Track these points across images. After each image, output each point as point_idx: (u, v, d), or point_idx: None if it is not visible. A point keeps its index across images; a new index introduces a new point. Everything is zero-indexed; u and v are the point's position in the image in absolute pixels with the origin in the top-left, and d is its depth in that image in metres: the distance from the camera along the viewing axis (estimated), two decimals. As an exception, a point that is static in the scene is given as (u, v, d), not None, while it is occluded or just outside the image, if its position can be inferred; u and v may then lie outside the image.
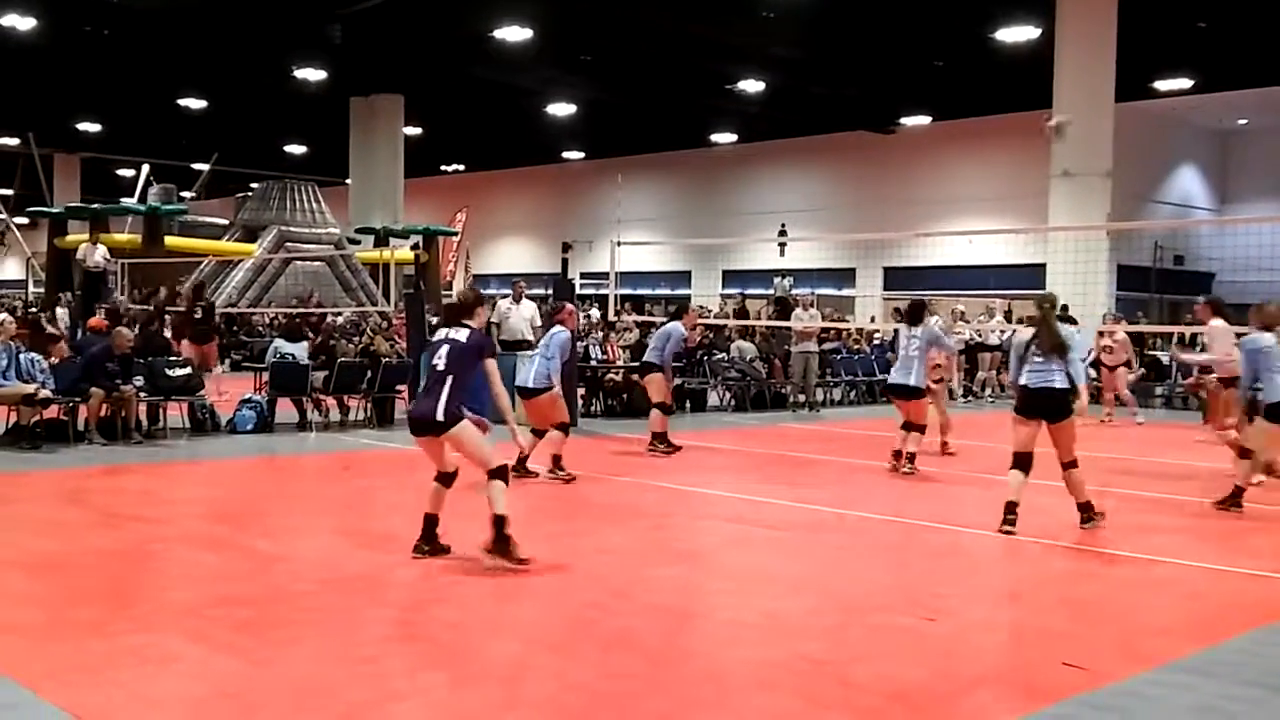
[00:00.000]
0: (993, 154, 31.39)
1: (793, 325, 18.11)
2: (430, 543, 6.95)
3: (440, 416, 6.63)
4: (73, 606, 5.82)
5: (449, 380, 6.70)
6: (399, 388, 15.08)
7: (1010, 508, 8.14)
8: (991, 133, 30.66)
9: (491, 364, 6.89)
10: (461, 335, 6.88)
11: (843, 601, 6.30)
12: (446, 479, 6.98)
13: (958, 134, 31.41)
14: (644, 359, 13.05)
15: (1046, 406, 8.15)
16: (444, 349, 6.85)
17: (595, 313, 22.10)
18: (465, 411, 6.71)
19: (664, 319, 15.25)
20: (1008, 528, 8.07)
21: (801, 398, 18.09)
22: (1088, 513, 8.30)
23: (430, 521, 6.96)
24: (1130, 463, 11.97)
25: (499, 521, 6.62)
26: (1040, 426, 8.22)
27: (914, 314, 11.53)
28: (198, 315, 17.03)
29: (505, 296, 16.64)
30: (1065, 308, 11.24)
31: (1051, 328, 8.30)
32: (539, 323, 14.81)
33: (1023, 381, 8.30)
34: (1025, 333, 8.86)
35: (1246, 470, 9.33)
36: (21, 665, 4.77)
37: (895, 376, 11.54)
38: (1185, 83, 25.99)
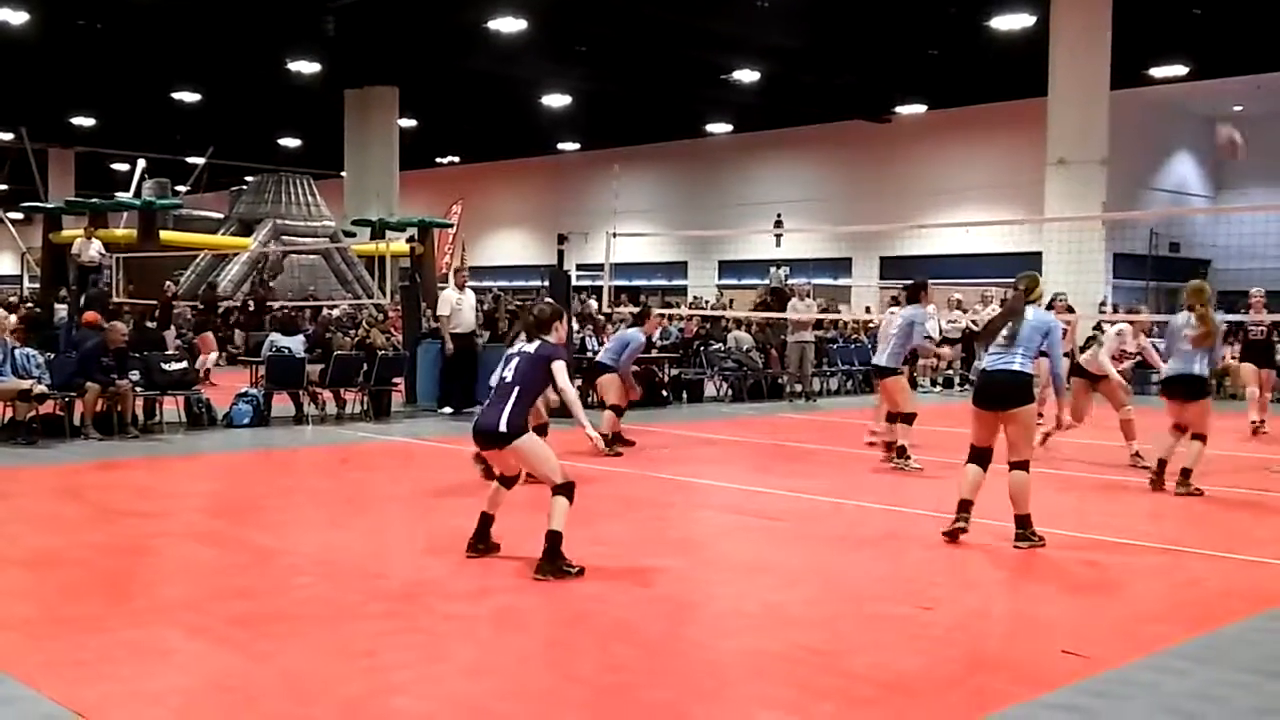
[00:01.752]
0: (988, 142, 31.39)
1: (788, 315, 18.12)
2: (484, 540, 6.86)
3: (504, 428, 6.46)
4: (69, 601, 5.81)
5: (515, 391, 6.54)
6: (395, 380, 15.07)
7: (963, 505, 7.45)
8: (987, 121, 30.66)
9: (559, 365, 6.66)
10: (531, 347, 6.74)
11: (840, 591, 6.31)
12: (508, 481, 6.90)
13: (953, 122, 31.40)
14: (597, 359, 12.93)
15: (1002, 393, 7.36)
16: (514, 361, 6.74)
17: (592, 304, 22.08)
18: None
19: (662, 310, 15.23)
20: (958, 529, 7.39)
21: (799, 388, 18.12)
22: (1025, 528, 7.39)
23: (485, 520, 6.86)
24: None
25: (554, 537, 6.38)
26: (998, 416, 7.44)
27: (910, 294, 11.40)
28: (200, 306, 17.06)
29: (443, 286, 16.37)
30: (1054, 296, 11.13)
31: (1020, 315, 7.49)
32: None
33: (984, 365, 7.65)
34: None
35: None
36: (18, 660, 4.76)
37: (875, 356, 11.53)
38: (1180, 70, 26.01)
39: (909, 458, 10.67)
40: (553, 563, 6.36)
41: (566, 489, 6.47)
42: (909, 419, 10.86)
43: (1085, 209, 20.35)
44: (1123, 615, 5.87)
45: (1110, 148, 21.28)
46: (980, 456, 7.49)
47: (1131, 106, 25.31)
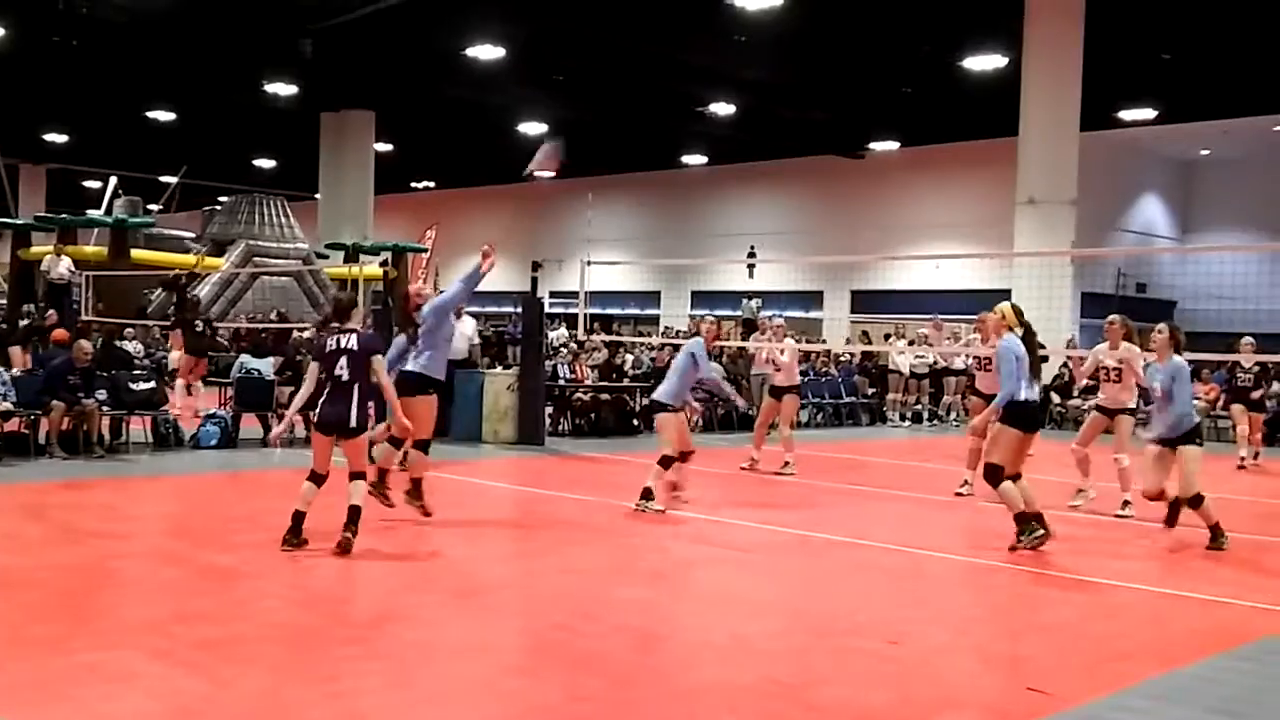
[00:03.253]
0: (960, 180, 31.71)
1: (750, 348, 18.17)
2: (298, 536, 7.55)
3: (354, 423, 7.56)
4: (31, 623, 5.74)
5: (356, 388, 7.51)
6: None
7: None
8: (959, 159, 30.99)
9: (377, 359, 7.66)
10: (355, 344, 7.57)
11: (808, 624, 6.32)
12: (320, 480, 7.69)
13: (926, 160, 31.72)
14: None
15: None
16: (343, 360, 7.55)
17: (564, 332, 22.09)
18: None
19: (633, 338, 15.02)
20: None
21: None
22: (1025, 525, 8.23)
23: (299, 517, 7.59)
24: (1100, 488, 12.05)
25: (356, 510, 7.51)
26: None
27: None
28: (198, 328, 16.85)
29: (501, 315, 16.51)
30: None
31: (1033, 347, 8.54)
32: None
33: (1024, 396, 8.30)
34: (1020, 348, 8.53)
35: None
36: (-23, 682, 4.70)
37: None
38: (1149, 113, 26.41)
39: (651, 499, 9.75)
40: (353, 529, 7.39)
41: (362, 474, 7.65)
42: (666, 462, 9.94)
43: (1053, 248, 20.56)
44: (1088, 653, 5.91)
45: (1079, 188, 21.54)
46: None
47: (1101, 148, 25.66)
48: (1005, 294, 21.78)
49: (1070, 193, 21.29)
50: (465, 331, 14.93)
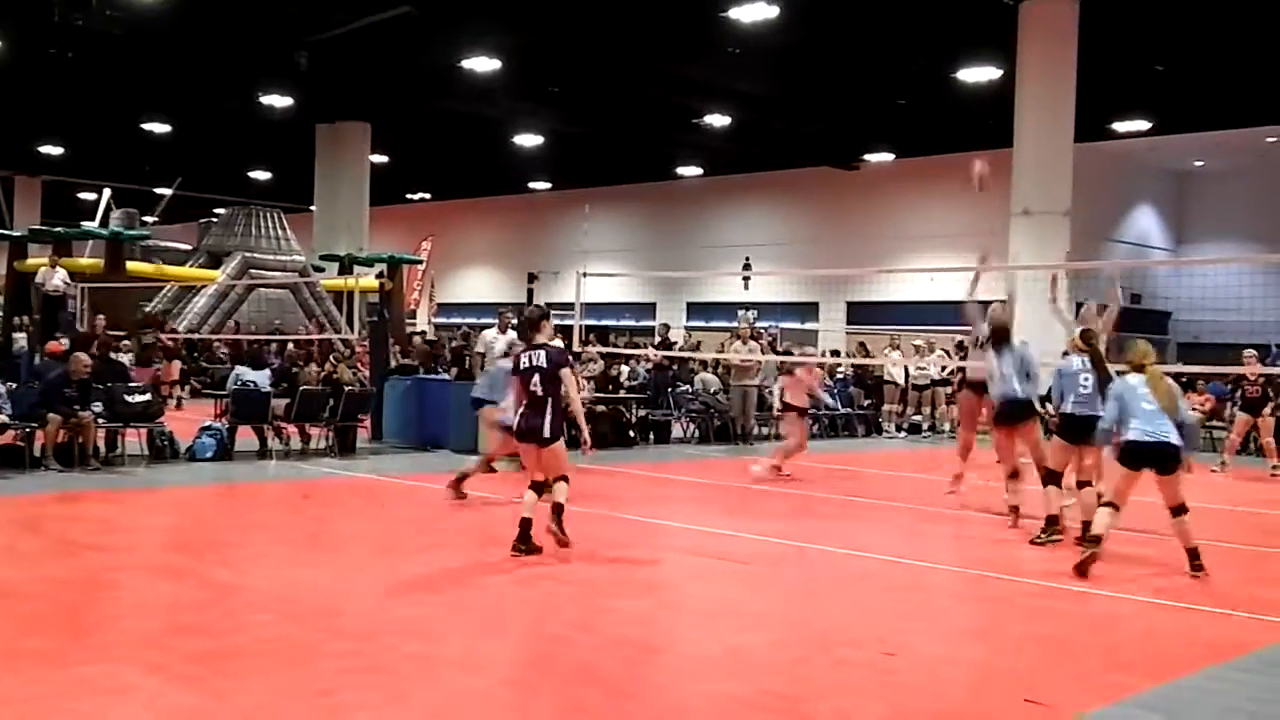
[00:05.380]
0: (954, 191, 31.60)
1: (729, 358, 18.15)
2: (526, 543, 7.94)
3: (547, 434, 8.02)
4: (26, 635, 5.72)
5: (549, 402, 8.00)
6: (361, 416, 14.99)
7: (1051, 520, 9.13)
8: (953, 170, 30.76)
9: (565, 373, 8.14)
10: (543, 359, 8.06)
11: (805, 636, 6.31)
12: (540, 488, 8.14)
13: (920, 171, 31.77)
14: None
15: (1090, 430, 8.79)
16: (535, 376, 8.03)
17: (559, 343, 22.04)
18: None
19: (630, 350, 15.06)
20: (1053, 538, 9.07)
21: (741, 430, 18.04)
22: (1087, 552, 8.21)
23: (526, 524, 7.98)
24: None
25: (560, 507, 8.03)
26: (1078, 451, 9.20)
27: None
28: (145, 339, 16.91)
29: (490, 326, 16.47)
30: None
31: (1104, 365, 9.11)
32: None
33: (1068, 410, 9.15)
34: (1075, 361, 9.35)
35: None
36: (-28, 696, 4.69)
37: None
38: (1143, 124, 26.48)
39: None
40: (560, 521, 7.95)
41: (565, 478, 8.15)
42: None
43: (1048, 260, 20.58)
44: (1085, 664, 5.91)
45: (1074, 200, 21.60)
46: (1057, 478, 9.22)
47: (1095, 159, 25.74)
48: (1001, 305, 21.95)
49: (1064, 204, 21.33)
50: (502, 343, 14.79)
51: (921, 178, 32.02)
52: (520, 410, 8.09)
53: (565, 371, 8.07)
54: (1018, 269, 20.73)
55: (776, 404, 14.35)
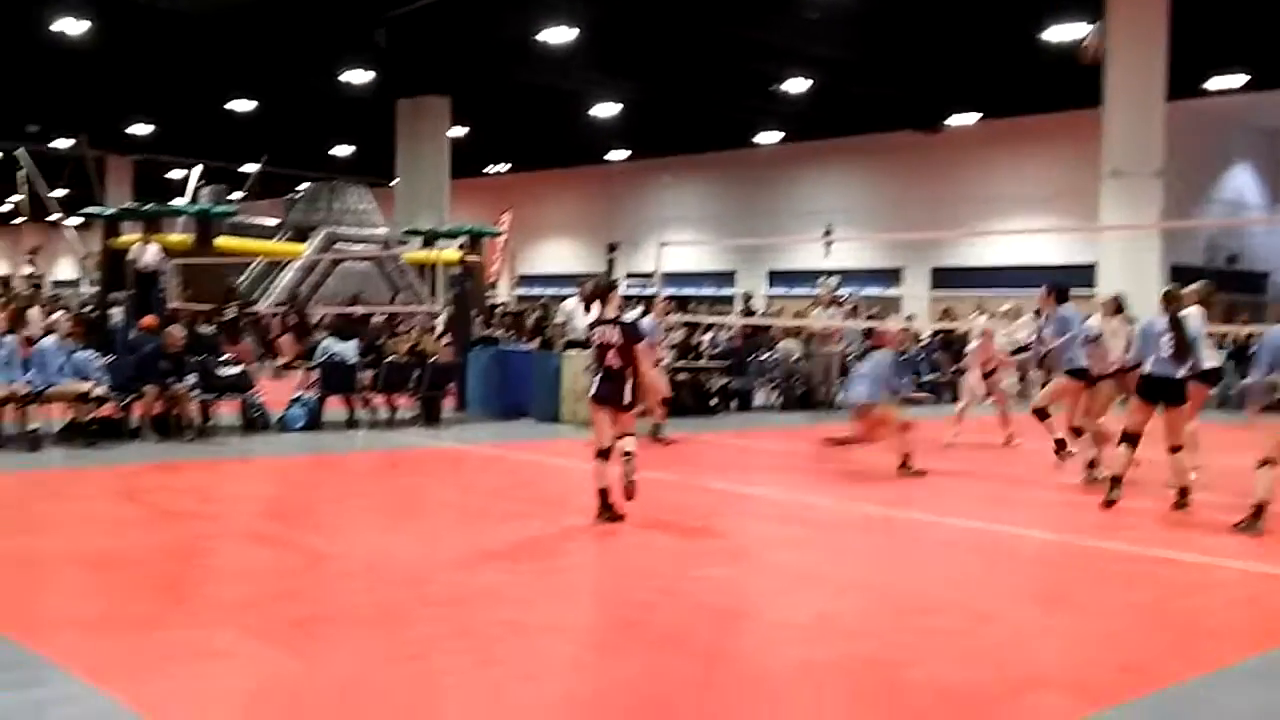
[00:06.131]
0: (1041, 153, 31.06)
1: (811, 324, 17.99)
2: (609, 510, 8.05)
3: (626, 401, 8.16)
4: (128, 601, 5.90)
5: (626, 371, 8.14)
6: (446, 386, 15.16)
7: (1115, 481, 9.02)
8: (1040, 132, 30.34)
9: (641, 347, 8.31)
10: (617, 335, 8.18)
11: (893, 602, 6.26)
12: (608, 454, 8.12)
13: (1006, 133, 31.11)
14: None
15: (1169, 393, 8.91)
16: (610, 350, 8.17)
17: (639, 312, 22.05)
18: None
19: (711, 318, 15.00)
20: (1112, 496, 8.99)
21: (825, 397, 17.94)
22: (1183, 498, 8.99)
23: (605, 494, 8.07)
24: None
25: (630, 457, 8.06)
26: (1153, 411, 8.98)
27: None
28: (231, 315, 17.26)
29: (570, 296, 16.60)
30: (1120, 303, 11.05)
31: (1182, 325, 8.94)
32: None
33: (1147, 370, 9.02)
34: (1159, 322, 9.12)
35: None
36: (80, 659, 4.84)
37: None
38: (1238, 80, 25.59)
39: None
40: (630, 478, 8.00)
41: (632, 434, 8.23)
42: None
43: (1140, 220, 20.09)
44: (1182, 631, 5.79)
45: (1166, 159, 21.00)
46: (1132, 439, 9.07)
47: (1188, 117, 24.94)
48: (1090, 269, 21.47)
49: (1156, 164, 20.75)
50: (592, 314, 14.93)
51: (1007, 139, 31.37)
52: (599, 379, 8.26)
53: (640, 347, 8.33)
54: (1108, 229, 20.30)
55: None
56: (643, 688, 4.74)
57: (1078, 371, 10.89)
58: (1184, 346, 8.86)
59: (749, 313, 22.73)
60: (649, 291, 17.30)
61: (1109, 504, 8.96)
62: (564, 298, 17.04)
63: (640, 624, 5.72)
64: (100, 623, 5.49)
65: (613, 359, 8.16)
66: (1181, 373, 8.91)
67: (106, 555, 6.94)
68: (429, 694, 4.56)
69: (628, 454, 8.09)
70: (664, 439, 12.65)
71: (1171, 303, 9.22)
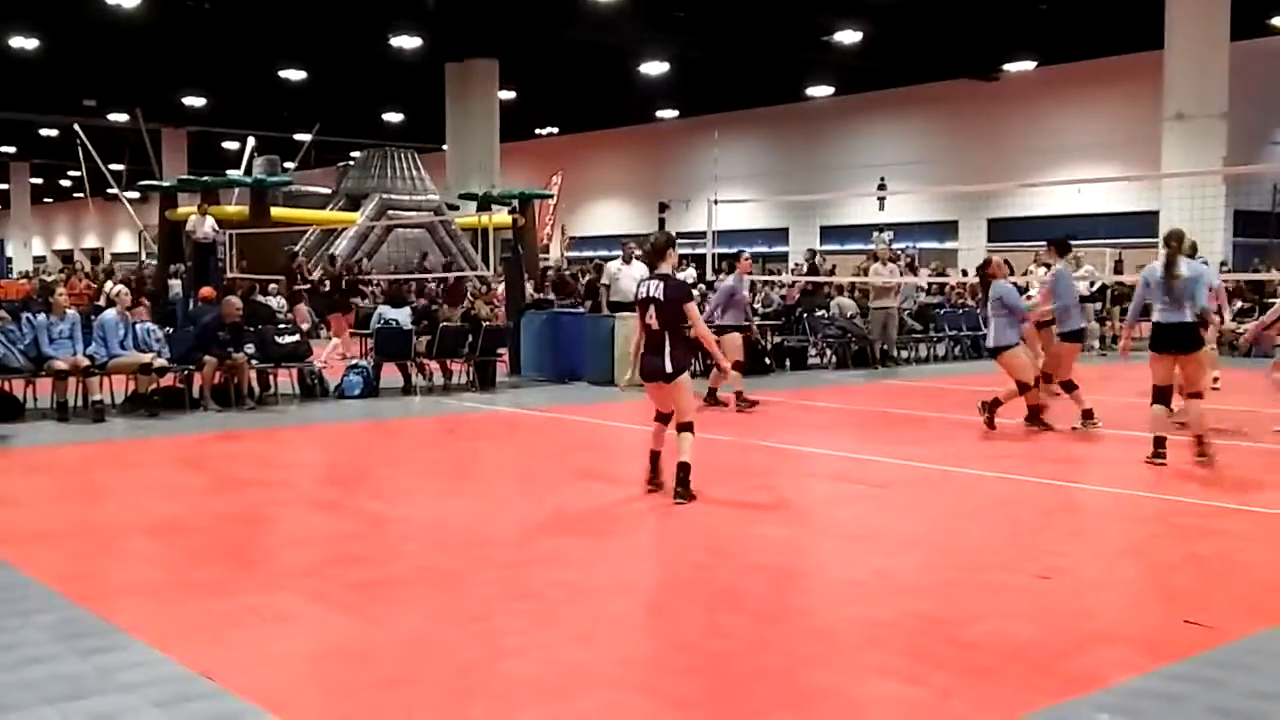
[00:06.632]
0: (1101, 99, 30.41)
1: (870, 281, 17.77)
2: (658, 476, 7.75)
3: (669, 369, 7.50)
4: (194, 568, 6.00)
5: (666, 336, 7.50)
6: (499, 351, 15.22)
7: (1159, 442, 8.69)
8: (1100, 76, 29.70)
9: (690, 307, 7.66)
10: (661, 292, 7.52)
11: (953, 559, 6.20)
12: (665, 418, 7.76)
13: (1064, 79, 30.49)
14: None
15: (1179, 339, 8.63)
16: (651, 308, 7.53)
17: (692, 272, 22.01)
18: None
19: (763, 276, 15.00)
20: (1159, 461, 8.64)
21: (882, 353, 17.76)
22: (1203, 449, 8.71)
23: (655, 457, 7.80)
24: (1252, 415, 11.55)
25: (685, 467, 7.45)
26: (1175, 360, 8.72)
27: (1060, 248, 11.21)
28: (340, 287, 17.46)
29: (615, 257, 16.55)
30: (1194, 246, 10.82)
31: (1176, 267, 8.59)
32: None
33: (1155, 318, 8.74)
34: (1156, 269, 8.84)
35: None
36: (146, 624, 4.94)
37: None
38: (1307, 17, 24.85)
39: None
40: (686, 488, 7.39)
41: (690, 426, 7.54)
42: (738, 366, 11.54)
43: (1204, 165, 19.63)
44: (1247, 585, 5.68)
45: (1230, 101, 20.47)
46: (1164, 395, 8.79)
47: (1253, 57, 24.28)
48: (1153, 216, 21.04)
49: (1221, 106, 20.27)
50: (635, 275, 14.86)
51: (1066, 85, 30.76)
52: (640, 348, 7.65)
53: (689, 306, 7.62)
54: (1170, 176, 19.85)
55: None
56: (700, 647, 4.74)
57: (1074, 334, 10.91)
58: (1183, 289, 8.59)
59: (814, 270, 22.48)
60: (699, 251, 17.18)
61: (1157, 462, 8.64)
62: (615, 258, 16.97)
63: (698, 583, 5.72)
64: (166, 589, 5.59)
65: (653, 319, 7.48)
66: (1189, 316, 8.62)
67: (171, 523, 7.06)
68: (491, 654, 4.60)
69: (681, 464, 7.41)
70: (746, 402, 12.43)
71: (1170, 243, 8.89)
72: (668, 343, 7.46)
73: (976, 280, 11.21)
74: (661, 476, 7.71)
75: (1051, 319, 11.08)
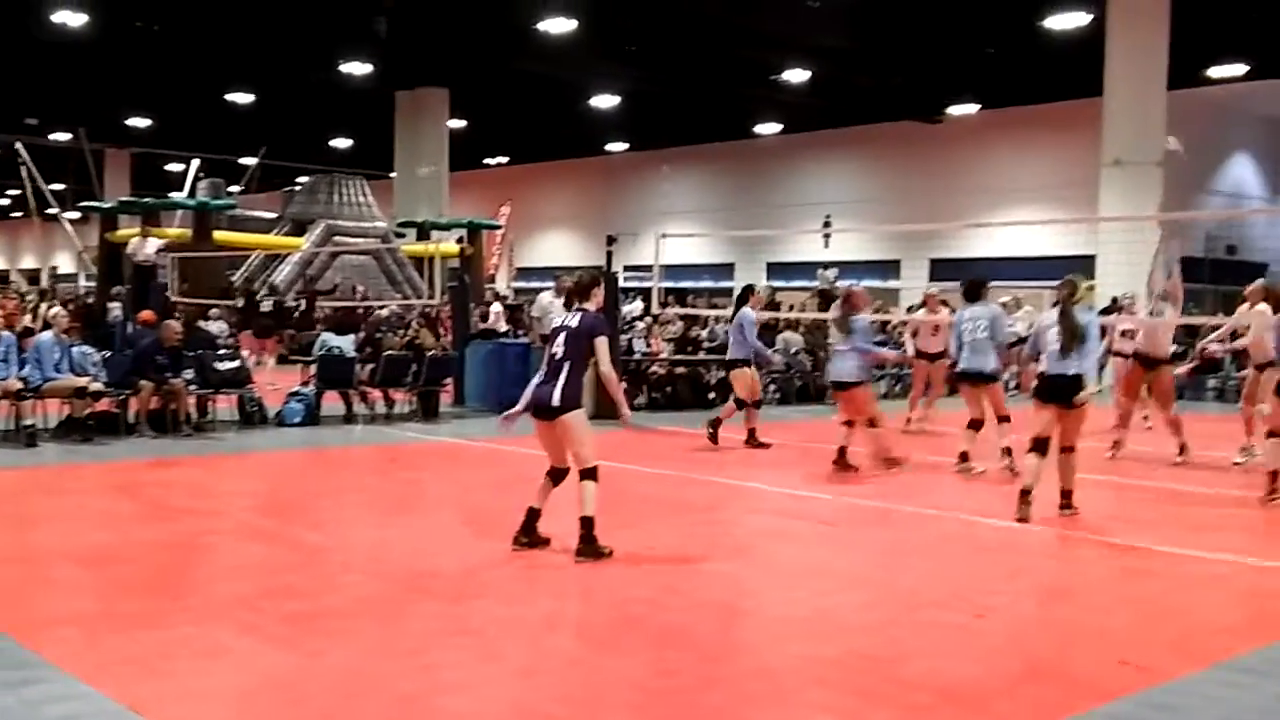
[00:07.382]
0: (1043, 143, 30.99)
1: (827, 318, 17.85)
2: (530, 535, 6.95)
3: (556, 402, 6.77)
4: (124, 598, 5.87)
5: (566, 366, 6.81)
6: (444, 381, 15.13)
7: (1025, 494, 8.17)
8: (1042, 121, 30.27)
9: (600, 341, 6.90)
10: (575, 321, 6.94)
11: (893, 597, 6.24)
12: (558, 476, 6.98)
13: (1007, 122, 31.05)
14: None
15: (1061, 392, 8.18)
16: (562, 335, 6.94)
17: (639, 306, 22.06)
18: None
19: (708, 311, 15.07)
20: (1022, 518, 8.10)
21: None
22: (1068, 500, 8.35)
23: (532, 515, 6.98)
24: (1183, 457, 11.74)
25: (587, 522, 6.71)
26: (1055, 412, 8.22)
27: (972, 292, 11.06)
28: (265, 309, 17.25)
29: (548, 289, 16.55)
30: (1114, 300, 10.93)
31: (1070, 317, 8.19)
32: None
33: (1042, 368, 8.35)
34: (1048, 318, 8.50)
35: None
36: (75, 656, 4.82)
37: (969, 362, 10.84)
38: (1239, 69, 25.54)
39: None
40: (590, 545, 6.65)
41: (593, 473, 6.77)
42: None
43: (1141, 211, 20.04)
44: (1182, 626, 5.76)
45: (1166, 149, 20.96)
46: (1041, 446, 8.28)
47: (1189, 107, 24.85)
48: (1091, 260, 21.42)
49: (1157, 154, 20.70)
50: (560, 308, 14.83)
51: (1008, 129, 31.31)
52: (536, 380, 6.99)
53: (599, 340, 6.86)
54: (1108, 220, 20.24)
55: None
56: (645, 684, 4.71)
57: (979, 375, 10.92)
58: (1072, 340, 8.10)
59: (773, 306, 22.55)
60: (646, 284, 17.23)
61: (1021, 520, 8.11)
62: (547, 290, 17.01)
63: (641, 620, 5.69)
64: (96, 620, 5.46)
65: (559, 347, 6.86)
66: (1073, 370, 8.09)
67: (102, 552, 6.91)
68: (429, 689, 4.54)
69: (582, 519, 6.67)
70: (755, 440, 12.38)
71: (1063, 292, 8.42)
72: (564, 374, 6.77)
73: (839, 314, 10.97)
74: (538, 534, 6.96)
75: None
